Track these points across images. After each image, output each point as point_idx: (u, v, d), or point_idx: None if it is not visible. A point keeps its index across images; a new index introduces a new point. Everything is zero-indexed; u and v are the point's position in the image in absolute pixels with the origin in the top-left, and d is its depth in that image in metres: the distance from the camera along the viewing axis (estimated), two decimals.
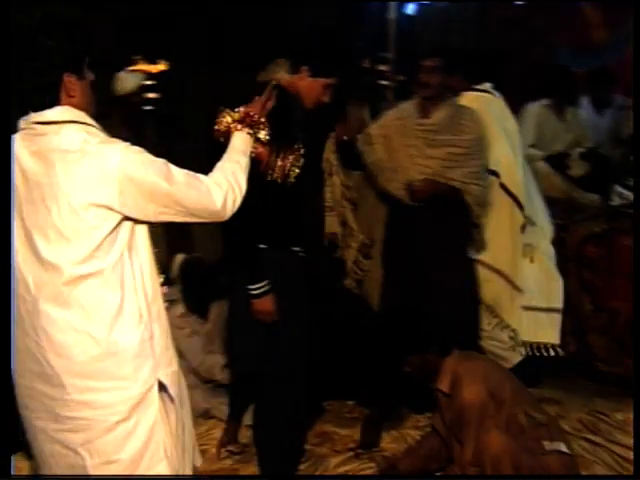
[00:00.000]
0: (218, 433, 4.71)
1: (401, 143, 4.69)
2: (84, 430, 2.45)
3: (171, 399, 2.55)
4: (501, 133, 4.95)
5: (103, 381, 2.44)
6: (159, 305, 2.58)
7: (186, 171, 2.54)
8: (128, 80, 6.11)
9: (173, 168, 2.51)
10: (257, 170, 3.64)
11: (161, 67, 7.79)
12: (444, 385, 3.88)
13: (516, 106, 6.65)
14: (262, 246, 3.75)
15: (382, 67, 6.64)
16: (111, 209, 2.38)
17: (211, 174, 2.66)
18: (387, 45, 6.31)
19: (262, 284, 3.70)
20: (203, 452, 4.01)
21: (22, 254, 2.44)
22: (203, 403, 4.95)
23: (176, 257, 5.91)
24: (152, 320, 2.52)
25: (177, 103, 8.01)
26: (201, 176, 2.60)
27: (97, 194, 2.35)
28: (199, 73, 7.80)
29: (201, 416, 4.86)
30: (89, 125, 2.45)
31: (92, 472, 2.47)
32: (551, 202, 5.52)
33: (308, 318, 3.88)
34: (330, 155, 5.04)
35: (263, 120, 3.14)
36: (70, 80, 2.41)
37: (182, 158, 5.89)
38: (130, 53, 7.66)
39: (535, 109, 6.34)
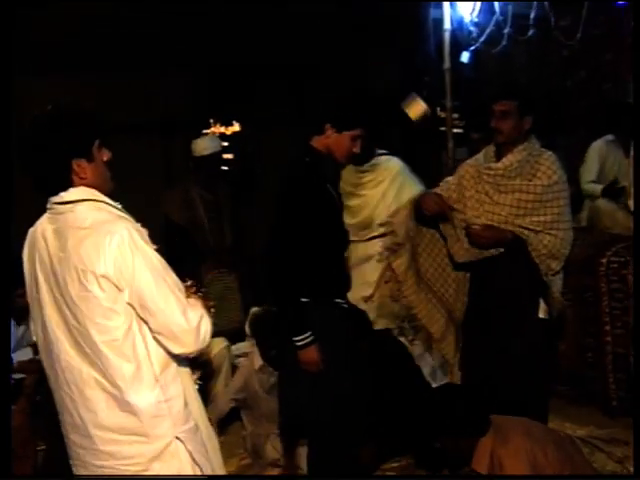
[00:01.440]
0: None
1: (473, 190, 4.46)
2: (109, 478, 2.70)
3: (189, 452, 2.73)
4: None
5: (124, 435, 2.68)
6: (174, 367, 2.77)
7: (174, 283, 2.70)
8: (208, 142, 6.44)
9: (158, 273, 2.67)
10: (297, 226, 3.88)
11: (235, 128, 8.18)
12: (482, 467, 3.65)
13: (585, 143, 6.72)
14: (305, 300, 3.92)
15: (442, 114, 6.77)
16: (110, 281, 2.60)
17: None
18: (445, 93, 6.43)
19: (306, 335, 3.87)
20: None
21: (55, 319, 2.71)
22: (272, 453, 5.11)
23: (250, 310, 6.14)
24: (167, 383, 2.72)
25: (251, 163, 8.37)
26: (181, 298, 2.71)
27: (98, 265, 2.58)
28: (272, 133, 8.13)
29: (270, 464, 5.04)
30: (101, 202, 2.70)
31: None
32: (614, 239, 5.52)
33: (354, 368, 4.01)
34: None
35: None
36: (79, 164, 2.67)
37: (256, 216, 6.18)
38: (206, 116, 8.06)
39: (598, 145, 6.36)
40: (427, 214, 4.42)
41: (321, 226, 3.94)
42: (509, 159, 4.33)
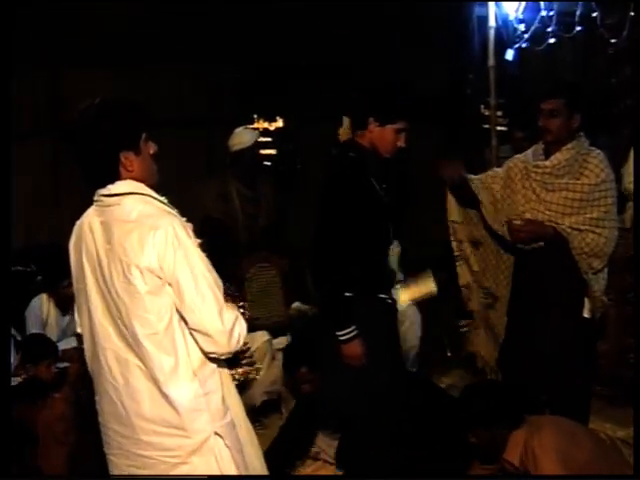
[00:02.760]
0: (324, 473, 4.90)
1: (520, 185, 4.46)
2: (149, 467, 2.75)
3: (227, 447, 2.77)
4: None
5: (165, 427, 2.73)
6: (213, 363, 2.79)
7: (214, 281, 2.73)
8: (244, 135, 6.43)
9: (201, 268, 2.70)
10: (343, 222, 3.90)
11: (278, 124, 8.22)
12: (514, 458, 3.70)
13: (629, 142, 6.65)
14: (349, 294, 3.94)
15: (486, 112, 6.76)
16: (153, 275, 2.64)
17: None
18: (489, 91, 6.41)
19: (349, 330, 3.90)
20: None
21: (101, 310, 2.77)
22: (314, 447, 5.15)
23: (292, 306, 6.20)
24: (206, 378, 2.76)
25: (293, 159, 8.40)
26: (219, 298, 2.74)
27: (141, 259, 2.63)
28: (314, 130, 8.14)
29: (310, 458, 5.08)
30: (147, 196, 2.74)
31: None
32: None
33: (393, 364, 4.05)
34: None
35: None
36: (127, 157, 2.71)
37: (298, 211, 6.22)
38: (250, 111, 8.11)
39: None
40: (447, 182, 4.52)
41: (365, 222, 3.95)
42: (557, 157, 4.31)
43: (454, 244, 4.77)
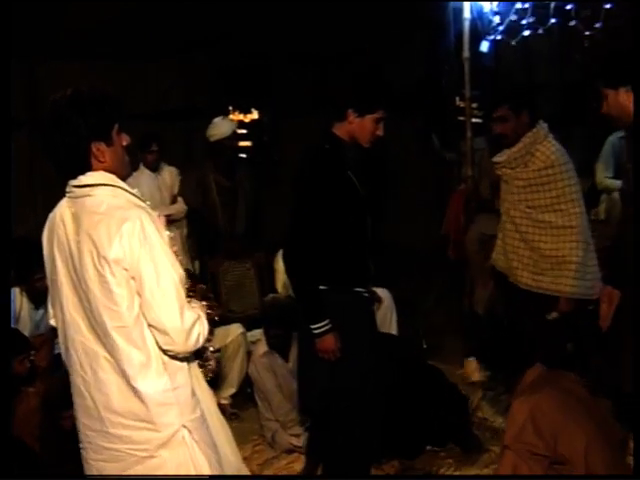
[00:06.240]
0: (298, 466, 4.93)
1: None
2: (117, 461, 2.74)
3: (196, 442, 2.77)
4: None
5: (133, 421, 2.72)
6: (182, 357, 2.79)
7: (179, 278, 2.72)
8: (222, 125, 6.47)
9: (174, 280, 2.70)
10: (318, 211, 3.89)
11: (253, 116, 8.20)
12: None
13: (602, 135, 6.69)
14: (323, 287, 3.93)
15: (461, 104, 6.76)
16: (120, 267, 2.63)
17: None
18: (464, 83, 6.40)
19: (323, 323, 3.88)
20: None
21: (72, 301, 2.76)
22: (287, 440, 5.16)
23: (266, 298, 6.18)
24: (175, 371, 2.76)
25: (269, 150, 8.37)
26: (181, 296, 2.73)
27: (109, 250, 2.61)
28: (291, 121, 8.13)
29: (285, 452, 5.10)
30: (118, 187, 2.73)
31: None
32: None
33: (373, 356, 4.02)
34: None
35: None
36: (99, 147, 2.70)
37: (274, 203, 6.22)
38: (224, 103, 8.08)
39: (611, 140, 6.34)
40: None
41: (340, 214, 3.93)
42: (507, 152, 4.71)
43: None
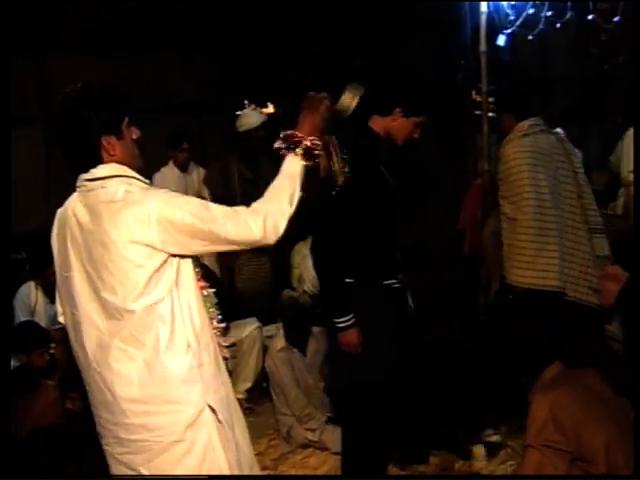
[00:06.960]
0: (314, 461, 4.92)
1: None
2: (144, 451, 2.70)
3: (220, 422, 2.74)
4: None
5: (157, 405, 2.69)
6: (207, 336, 2.79)
7: (223, 207, 2.77)
8: (252, 116, 6.50)
9: (210, 206, 2.75)
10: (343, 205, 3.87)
11: (269, 110, 8.16)
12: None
13: (621, 129, 6.64)
14: (350, 280, 3.91)
15: (477, 98, 6.72)
16: (153, 248, 2.63)
17: (253, 204, 2.84)
18: (480, 77, 6.37)
19: (347, 318, 3.85)
20: None
21: (86, 294, 2.73)
22: (302, 434, 5.15)
23: (283, 293, 6.17)
24: (201, 349, 2.74)
25: None
26: (239, 208, 2.80)
27: (138, 234, 2.60)
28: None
29: (301, 447, 5.10)
30: (131, 177, 2.72)
31: None
32: None
33: (394, 350, 3.96)
34: None
35: (313, 140, 2.99)
36: (109, 141, 2.70)
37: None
38: (241, 97, 8.08)
39: (631, 134, 6.26)
40: None
41: (371, 207, 3.93)
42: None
43: None
